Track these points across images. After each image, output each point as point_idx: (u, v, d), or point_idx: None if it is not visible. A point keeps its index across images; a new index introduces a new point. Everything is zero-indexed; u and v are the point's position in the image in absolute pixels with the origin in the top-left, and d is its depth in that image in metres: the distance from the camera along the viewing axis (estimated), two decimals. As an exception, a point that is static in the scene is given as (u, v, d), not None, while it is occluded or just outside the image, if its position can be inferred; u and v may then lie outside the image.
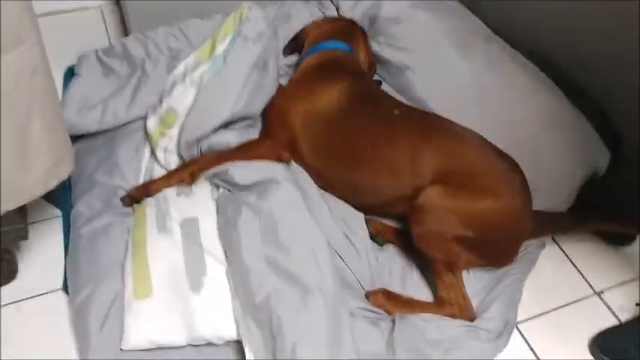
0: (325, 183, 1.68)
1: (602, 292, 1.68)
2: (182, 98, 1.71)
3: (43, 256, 1.65)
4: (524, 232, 1.58)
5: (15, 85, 1.24)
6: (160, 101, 1.77)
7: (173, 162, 1.71)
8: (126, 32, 2.17)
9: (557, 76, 1.88)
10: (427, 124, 1.64)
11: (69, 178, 1.69)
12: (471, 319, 1.51)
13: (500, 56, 1.90)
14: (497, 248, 1.56)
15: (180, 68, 1.80)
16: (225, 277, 1.44)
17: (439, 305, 1.52)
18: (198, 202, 1.58)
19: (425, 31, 1.96)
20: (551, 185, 1.72)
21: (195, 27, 2.04)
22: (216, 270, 1.45)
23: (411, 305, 1.53)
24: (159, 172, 1.71)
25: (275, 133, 1.70)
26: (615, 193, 1.72)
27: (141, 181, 1.71)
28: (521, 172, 1.58)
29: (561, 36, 1.89)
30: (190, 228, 1.51)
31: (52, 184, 1.43)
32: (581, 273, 1.72)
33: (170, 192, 1.62)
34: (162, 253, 1.47)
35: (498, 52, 1.92)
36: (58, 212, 1.74)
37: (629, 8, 1.64)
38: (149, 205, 1.58)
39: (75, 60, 2.04)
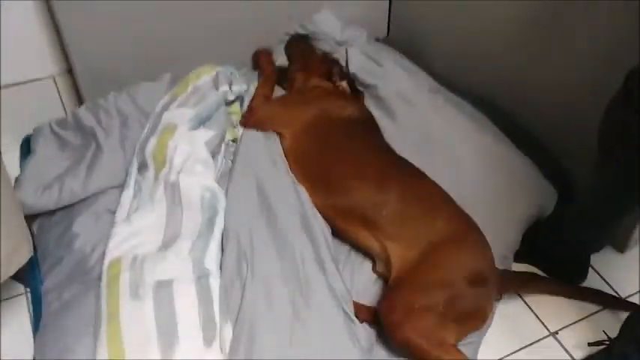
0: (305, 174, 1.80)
1: (557, 332, 1.73)
2: (178, 116, 1.89)
3: (10, 335, 1.67)
4: (493, 280, 1.60)
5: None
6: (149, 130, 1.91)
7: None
8: (80, 100, 2.20)
9: (504, 122, 1.97)
10: (404, 164, 1.78)
11: (35, 255, 1.71)
12: None
13: (445, 105, 1.99)
14: (472, 307, 1.56)
15: (157, 109, 1.98)
16: (202, 342, 1.45)
17: None
18: (174, 262, 1.58)
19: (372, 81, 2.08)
20: (495, 228, 1.74)
21: (143, 90, 2.08)
22: (187, 337, 1.45)
23: None
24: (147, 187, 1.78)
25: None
26: (563, 232, 1.79)
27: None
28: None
29: (507, 83, 1.99)
30: (163, 292, 1.52)
31: (12, 271, 1.47)
32: (536, 314, 1.77)
33: (149, 248, 1.63)
34: (135, 321, 1.48)
35: (443, 101, 2.00)
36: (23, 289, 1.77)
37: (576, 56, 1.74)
38: (123, 269, 1.58)
39: (31, 128, 2.08)
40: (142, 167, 1.83)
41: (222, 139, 1.92)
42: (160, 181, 1.75)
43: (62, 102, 2.23)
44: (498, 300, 1.69)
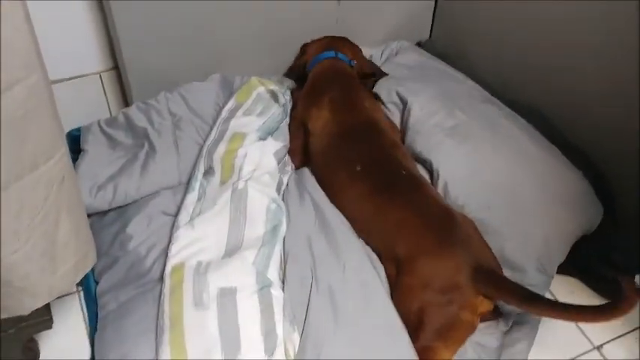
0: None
1: (601, 346, 1.76)
2: (246, 124, 1.91)
3: (64, 334, 1.69)
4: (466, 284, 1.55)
5: (45, 195, 1.28)
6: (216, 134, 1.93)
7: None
8: (125, 97, 2.20)
9: (550, 133, 1.98)
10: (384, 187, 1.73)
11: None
12: None
13: (497, 116, 1.99)
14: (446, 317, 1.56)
15: (224, 114, 2.00)
16: (263, 352, 1.47)
17: None
18: (238, 270, 1.59)
19: (421, 92, 2.06)
20: (543, 240, 1.77)
21: (194, 91, 2.10)
22: (250, 347, 1.47)
23: None
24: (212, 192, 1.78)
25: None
26: (608, 252, 1.82)
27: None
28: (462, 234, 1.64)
29: (557, 95, 2.00)
30: (227, 300, 1.53)
31: (78, 278, 1.47)
32: (579, 328, 1.80)
33: (213, 255, 1.64)
34: (198, 330, 1.50)
35: (495, 112, 2.01)
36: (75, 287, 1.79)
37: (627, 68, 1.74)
38: (186, 275, 1.59)
39: (74, 125, 2.08)
40: (208, 172, 1.84)
41: (287, 151, 1.94)
42: (226, 187, 1.76)
43: (107, 100, 2.23)
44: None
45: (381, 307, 1.56)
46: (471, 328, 1.59)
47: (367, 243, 1.72)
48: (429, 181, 1.89)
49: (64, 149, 1.30)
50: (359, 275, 1.61)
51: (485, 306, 1.59)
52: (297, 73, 2.26)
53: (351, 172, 1.78)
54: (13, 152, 1.17)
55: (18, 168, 1.20)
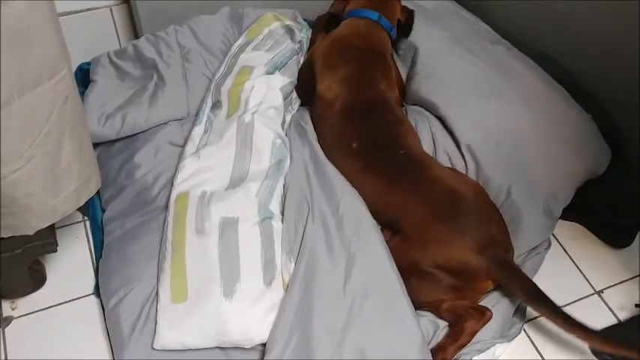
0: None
1: (602, 291, 1.76)
2: (254, 58, 1.89)
3: (70, 261, 1.72)
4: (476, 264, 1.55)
5: (49, 113, 1.29)
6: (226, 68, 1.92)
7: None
8: (135, 31, 2.19)
9: (562, 77, 1.94)
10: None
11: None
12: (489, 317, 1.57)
13: (506, 57, 1.96)
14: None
15: (233, 50, 1.98)
16: (262, 282, 1.49)
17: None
18: (242, 201, 1.60)
19: (431, 36, 2.02)
20: (549, 181, 1.76)
21: (203, 24, 2.07)
22: (249, 276, 1.49)
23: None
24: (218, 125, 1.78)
25: None
26: (614, 195, 1.81)
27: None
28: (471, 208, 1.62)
29: (566, 37, 1.96)
30: (228, 230, 1.54)
31: (82, 201, 1.49)
32: (582, 272, 1.80)
33: (217, 186, 1.65)
34: (199, 257, 1.52)
35: (504, 53, 1.98)
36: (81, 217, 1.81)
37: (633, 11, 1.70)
38: (190, 204, 1.61)
39: (85, 59, 2.07)
40: (216, 105, 1.84)
41: (294, 87, 1.94)
42: (232, 120, 1.76)
43: (117, 33, 2.22)
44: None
45: (374, 243, 1.57)
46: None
47: None
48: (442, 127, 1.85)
49: (67, 68, 1.31)
50: (353, 210, 1.62)
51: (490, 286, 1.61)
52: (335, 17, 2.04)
53: (347, 149, 1.73)
54: (16, 66, 1.17)
55: (21, 83, 1.20)
